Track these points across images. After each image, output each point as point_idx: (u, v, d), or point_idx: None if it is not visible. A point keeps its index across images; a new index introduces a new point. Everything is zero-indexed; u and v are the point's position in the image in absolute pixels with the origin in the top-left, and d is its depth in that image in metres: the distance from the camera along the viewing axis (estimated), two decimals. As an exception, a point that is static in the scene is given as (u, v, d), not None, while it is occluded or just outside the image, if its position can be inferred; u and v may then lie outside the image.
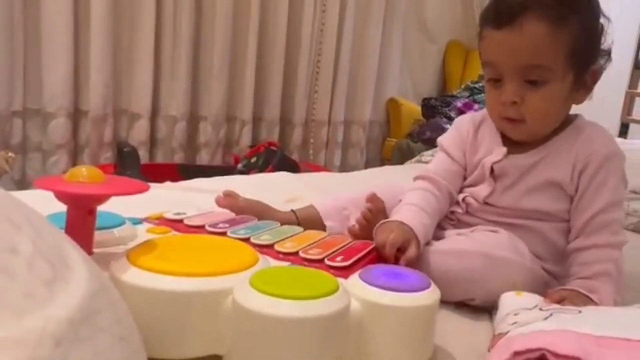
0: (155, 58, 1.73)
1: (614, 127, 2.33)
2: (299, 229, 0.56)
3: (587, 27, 0.55)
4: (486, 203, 0.61)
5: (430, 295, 0.41)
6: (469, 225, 0.61)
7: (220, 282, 0.38)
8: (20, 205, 0.30)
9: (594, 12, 0.56)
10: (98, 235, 0.44)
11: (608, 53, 0.58)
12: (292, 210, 0.69)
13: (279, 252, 0.48)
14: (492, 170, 0.60)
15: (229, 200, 0.67)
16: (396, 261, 0.52)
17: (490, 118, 0.63)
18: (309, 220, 0.67)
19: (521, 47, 0.54)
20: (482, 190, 0.61)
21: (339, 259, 0.47)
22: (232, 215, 0.59)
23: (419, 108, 2.27)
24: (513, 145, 0.61)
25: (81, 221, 0.41)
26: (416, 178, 0.65)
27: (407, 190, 0.63)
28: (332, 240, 0.53)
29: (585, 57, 0.56)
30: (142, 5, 1.68)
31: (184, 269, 0.38)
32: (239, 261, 0.41)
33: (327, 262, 0.46)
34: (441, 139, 0.67)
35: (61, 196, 0.40)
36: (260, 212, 0.64)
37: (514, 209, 0.59)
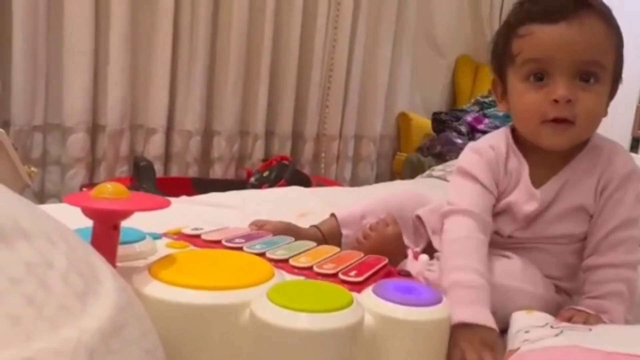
0: (171, 75, 1.78)
1: (624, 142, 2.30)
2: (312, 244, 0.58)
3: (620, 44, 0.56)
4: (510, 236, 0.59)
5: (443, 309, 0.42)
6: None
7: (238, 295, 0.39)
8: (53, 221, 0.31)
9: (622, 37, 0.57)
10: (120, 250, 0.46)
11: (621, 77, 0.58)
12: (315, 226, 0.70)
13: (293, 267, 0.49)
14: (525, 216, 0.57)
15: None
16: None
17: (524, 129, 0.57)
18: (332, 233, 0.68)
19: (582, 41, 0.52)
20: (508, 225, 0.58)
21: (352, 273, 0.48)
22: (247, 230, 0.61)
23: (429, 122, 2.28)
24: (536, 174, 0.57)
25: (106, 236, 0.43)
26: (454, 212, 0.56)
27: (450, 237, 0.55)
28: (345, 255, 0.55)
29: (619, 68, 0.56)
30: (160, 24, 1.73)
31: (202, 283, 0.39)
32: (256, 275, 0.42)
33: (340, 276, 0.48)
34: (465, 165, 0.59)
35: (88, 212, 0.42)
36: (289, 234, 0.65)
37: (539, 238, 0.57)
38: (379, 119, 2.29)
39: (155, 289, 0.39)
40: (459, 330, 0.45)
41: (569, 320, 0.49)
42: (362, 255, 0.55)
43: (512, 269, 0.54)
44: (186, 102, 1.84)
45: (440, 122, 2.22)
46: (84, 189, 1.51)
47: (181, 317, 0.38)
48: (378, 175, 2.36)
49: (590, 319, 0.50)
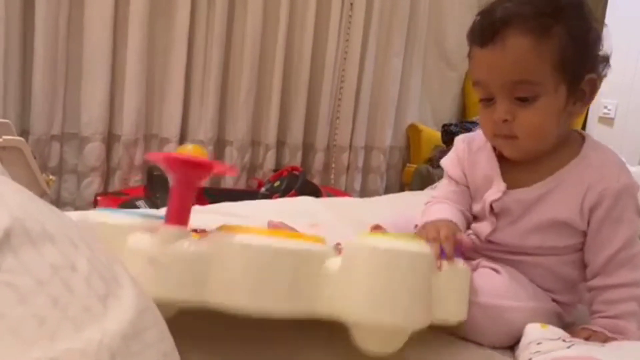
0: (185, 86, 1.82)
1: (636, 153, 2.27)
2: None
3: (575, 34, 0.52)
4: (489, 241, 0.58)
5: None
6: (473, 260, 0.59)
7: (319, 247, 0.43)
8: (76, 225, 0.33)
9: (584, 18, 0.53)
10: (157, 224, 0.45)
11: (606, 59, 0.55)
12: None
13: None
14: (491, 208, 0.58)
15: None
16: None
17: (487, 141, 0.60)
18: None
19: (505, 64, 0.52)
20: (484, 227, 0.58)
21: None
22: None
23: (439, 134, 2.28)
24: (516, 177, 0.57)
25: (185, 194, 0.43)
26: (432, 202, 0.63)
27: (426, 209, 0.62)
28: None
29: (576, 65, 0.52)
30: (175, 37, 1.78)
31: (286, 236, 0.43)
32: (316, 239, 0.45)
33: None
34: (443, 162, 0.67)
35: (175, 165, 0.43)
36: None
37: (520, 247, 0.57)
38: (389, 130, 2.30)
39: (252, 239, 0.41)
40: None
41: (586, 339, 0.49)
42: None
43: (498, 285, 0.54)
44: (199, 113, 1.88)
45: (450, 134, 2.22)
46: (99, 198, 1.54)
47: (281, 261, 0.40)
48: (387, 186, 2.36)
49: (608, 341, 0.49)
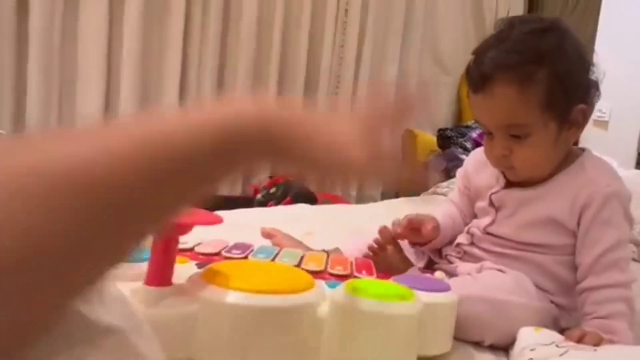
0: (180, 93, 1.82)
1: (630, 156, 2.28)
2: (301, 252, 0.59)
3: (560, 74, 0.55)
4: (488, 233, 0.62)
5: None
6: (474, 257, 0.63)
7: (307, 298, 0.41)
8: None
9: (568, 56, 0.56)
10: (135, 268, 0.42)
11: (596, 85, 0.59)
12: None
13: (307, 271, 0.50)
14: (491, 201, 0.63)
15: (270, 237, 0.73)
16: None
17: None
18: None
19: (494, 110, 0.57)
20: (485, 219, 0.63)
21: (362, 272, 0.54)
22: (228, 242, 0.60)
23: (435, 138, 2.29)
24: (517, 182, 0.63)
25: (167, 250, 0.41)
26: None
27: None
28: (337, 257, 0.58)
29: (564, 102, 0.57)
30: (170, 44, 1.78)
31: (276, 288, 0.40)
32: (305, 281, 0.43)
33: (355, 274, 0.53)
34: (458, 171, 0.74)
35: None
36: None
37: (516, 241, 0.60)
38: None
39: (236, 297, 0.39)
40: None
41: (579, 340, 0.49)
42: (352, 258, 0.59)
43: (505, 282, 0.56)
44: (194, 120, 1.87)
45: (445, 138, 2.22)
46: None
47: (271, 319, 0.40)
48: (384, 192, 2.36)
49: (602, 342, 0.49)
